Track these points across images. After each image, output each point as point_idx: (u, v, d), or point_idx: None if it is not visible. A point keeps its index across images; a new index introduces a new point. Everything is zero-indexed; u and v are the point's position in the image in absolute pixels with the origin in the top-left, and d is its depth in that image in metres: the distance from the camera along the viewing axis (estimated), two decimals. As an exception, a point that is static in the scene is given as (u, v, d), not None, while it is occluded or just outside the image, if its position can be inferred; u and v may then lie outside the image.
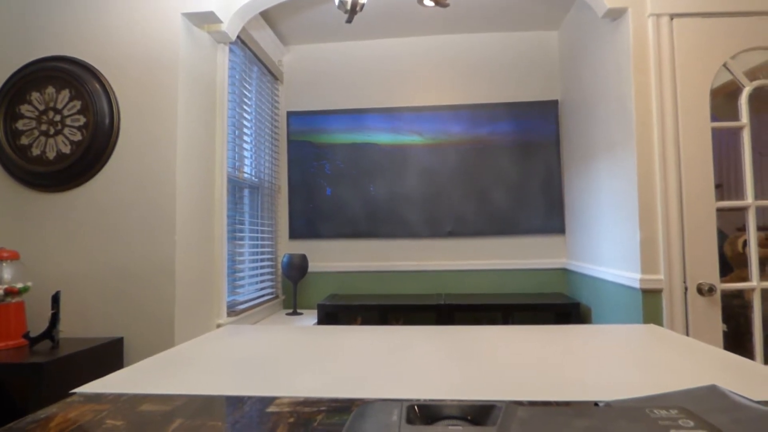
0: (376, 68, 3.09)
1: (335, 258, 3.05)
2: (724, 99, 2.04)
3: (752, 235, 1.90)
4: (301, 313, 2.85)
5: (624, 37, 2.02)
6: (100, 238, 1.86)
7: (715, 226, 1.90)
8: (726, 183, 4.62)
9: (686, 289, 1.89)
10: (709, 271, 1.88)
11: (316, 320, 2.63)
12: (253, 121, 2.73)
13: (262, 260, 2.80)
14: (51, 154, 1.87)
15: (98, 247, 1.86)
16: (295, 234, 3.05)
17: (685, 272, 1.89)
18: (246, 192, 2.66)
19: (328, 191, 3.05)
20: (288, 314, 2.83)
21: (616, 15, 2.05)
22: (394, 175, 3.02)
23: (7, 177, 1.90)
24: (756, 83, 1.92)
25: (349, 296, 2.89)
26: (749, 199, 1.90)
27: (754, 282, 1.88)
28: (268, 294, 2.87)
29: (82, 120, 1.87)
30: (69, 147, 1.87)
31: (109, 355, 1.73)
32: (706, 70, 1.93)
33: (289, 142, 3.10)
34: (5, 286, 1.65)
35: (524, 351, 0.98)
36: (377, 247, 3.03)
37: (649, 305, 1.90)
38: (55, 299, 1.68)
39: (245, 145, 2.62)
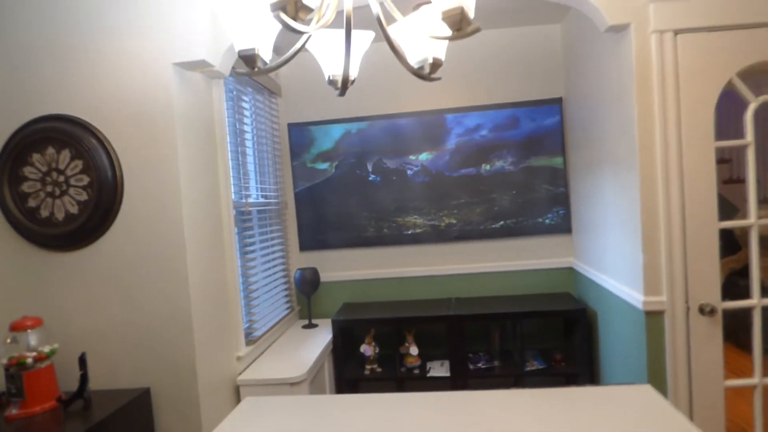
0: (375, 73, 3.02)
1: (346, 267, 3.11)
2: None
3: (754, 253, 1.91)
4: (316, 325, 2.95)
5: (626, 53, 1.95)
6: (117, 293, 1.93)
7: (718, 247, 1.90)
8: (736, 158, 4.52)
9: (688, 309, 1.92)
10: (710, 291, 1.90)
11: (331, 335, 2.72)
12: (253, 144, 2.72)
13: (275, 280, 2.87)
14: (60, 215, 1.92)
15: (116, 303, 1.93)
16: (305, 246, 3.11)
17: (688, 292, 1.92)
18: (254, 212, 2.69)
19: (334, 201, 3.07)
20: (304, 327, 2.93)
21: (618, 30, 1.97)
22: (399, 180, 3.02)
23: (20, 239, 1.95)
24: (762, 98, 1.87)
25: (362, 305, 2.98)
26: (752, 218, 1.90)
27: (755, 300, 1.91)
28: (283, 310, 2.96)
29: (86, 179, 1.90)
30: (76, 207, 1.91)
31: (139, 408, 1.83)
32: (711, 87, 1.87)
33: (292, 153, 3.09)
34: (34, 354, 1.74)
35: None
36: (386, 254, 3.08)
37: (651, 325, 1.95)
38: (82, 360, 1.77)
39: (249, 170, 2.63)
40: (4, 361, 1.72)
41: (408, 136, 2.99)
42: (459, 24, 0.87)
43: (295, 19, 0.78)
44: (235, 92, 2.49)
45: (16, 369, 1.72)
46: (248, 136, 2.65)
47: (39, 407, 1.72)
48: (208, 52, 1.90)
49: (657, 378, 1.95)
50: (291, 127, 3.08)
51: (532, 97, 2.94)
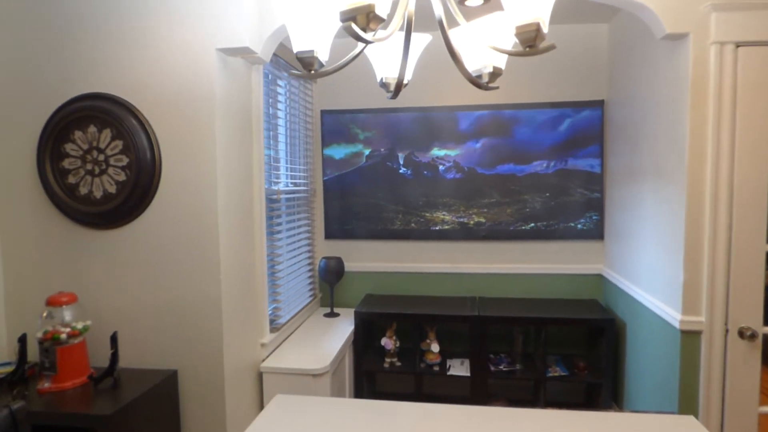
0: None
1: (370, 258, 3.10)
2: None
3: (803, 280, 1.83)
4: (338, 314, 2.96)
5: (682, 63, 1.86)
6: (149, 274, 1.95)
7: (764, 269, 1.83)
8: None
9: (727, 331, 1.86)
10: (752, 315, 1.84)
11: (352, 326, 2.73)
12: (286, 130, 2.70)
13: (300, 267, 2.87)
14: (98, 194, 1.93)
15: (148, 284, 1.95)
16: (330, 234, 3.10)
17: (728, 314, 1.86)
18: (283, 199, 2.68)
19: (363, 192, 3.04)
20: (326, 315, 2.94)
21: (675, 38, 1.88)
22: (429, 175, 2.97)
23: (59, 214, 1.98)
24: (827, 119, 1.77)
25: (384, 298, 2.97)
26: (805, 244, 1.82)
27: (800, 329, 1.84)
28: (307, 297, 2.97)
29: (125, 160, 1.90)
30: (114, 186, 1.92)
31: (167, 390, 1.87)
32: (773, 104, 1.78)
33: (324, 140, 3.06)
34: (68, 330, 1.77)
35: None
36: (412, 248, 3.05)
37: (687, 345, 1.90)
38: (113, 340, 1.80)
39: (280, 156, 2.61)
40: (40, 335, 1.76)
41: (442, 131, 2.94)
42: (533, 41, 0.83)
43: (365, 30, 0.74)
44: (270, 77, 2.47)
45: (51, 344, 1.76)
46: (281, 122, 2.63)
47: (70, 382, 1.77)
48: (251, 39, 1.87)
49: (688, 399, 1.91)
50: (324, 113, 3.04)
51: (574, 98, 2.85)
